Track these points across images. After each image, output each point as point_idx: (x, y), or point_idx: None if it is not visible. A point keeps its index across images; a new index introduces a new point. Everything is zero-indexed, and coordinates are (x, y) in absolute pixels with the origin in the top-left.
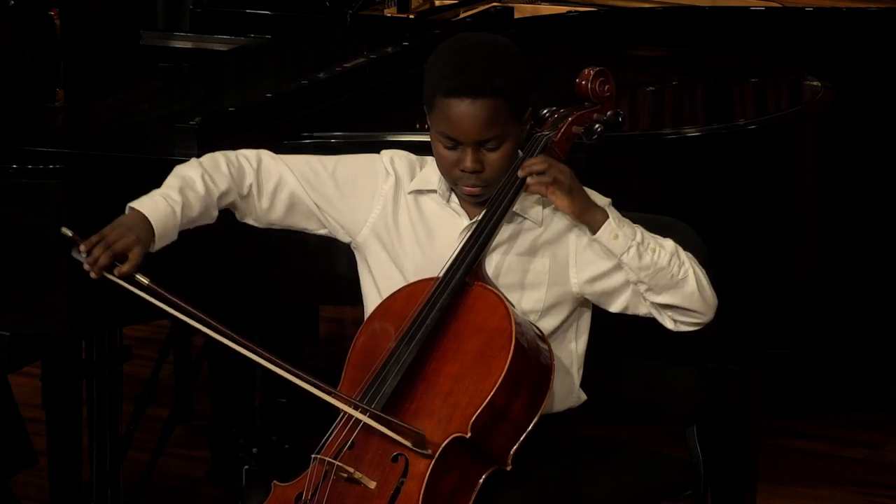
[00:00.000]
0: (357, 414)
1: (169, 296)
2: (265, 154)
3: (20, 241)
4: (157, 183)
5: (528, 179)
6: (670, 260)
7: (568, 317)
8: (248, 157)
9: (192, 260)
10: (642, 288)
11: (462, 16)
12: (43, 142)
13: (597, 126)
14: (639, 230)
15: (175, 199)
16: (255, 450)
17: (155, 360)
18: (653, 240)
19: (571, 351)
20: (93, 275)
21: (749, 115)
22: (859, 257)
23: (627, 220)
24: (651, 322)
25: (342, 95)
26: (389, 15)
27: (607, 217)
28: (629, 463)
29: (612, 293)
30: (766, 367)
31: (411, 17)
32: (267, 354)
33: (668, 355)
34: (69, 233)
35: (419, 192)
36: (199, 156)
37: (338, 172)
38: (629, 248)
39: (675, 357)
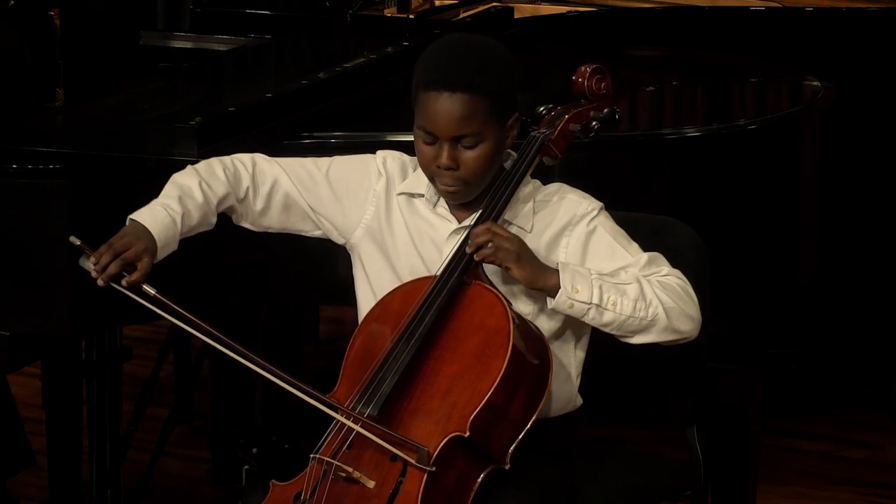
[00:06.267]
0: (360, 429)
1: (173, 305)
2: (260, 157)
3: (20, 241)
4: (157, 183)
5: (475, 255)
6: (634, 307)
7: (564, 322)
8: (243, 161)
9: (192, 261)
10: (615, 335)
11: (462, 16)
12: (43, 142)
13: (594, 123)
14: (596, 285)
15: (175, 209)
16: (255, 450)
17: (155, 360)
18: (613, 291)
19: (571, 357)
20: (100, 283)
21: (749, 115)
22: (859, 257)
23: (583, 275)
24: None
25: (342, 95)
26: (389, 15)
27: (559, 283)
28: (629, 463)
29: None
30: (766, 367)
31: (411, 17)
32: (267, 365)
33: (667, 356)
34: (77, 241)
35: (409, 194)
36: (198, 156)
37: (331, 174)
38: (588, 311)
39: (674, 357)
